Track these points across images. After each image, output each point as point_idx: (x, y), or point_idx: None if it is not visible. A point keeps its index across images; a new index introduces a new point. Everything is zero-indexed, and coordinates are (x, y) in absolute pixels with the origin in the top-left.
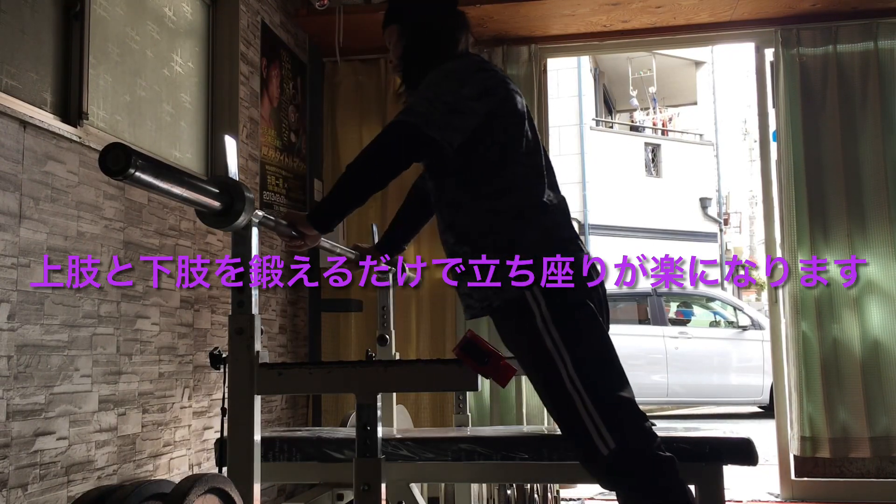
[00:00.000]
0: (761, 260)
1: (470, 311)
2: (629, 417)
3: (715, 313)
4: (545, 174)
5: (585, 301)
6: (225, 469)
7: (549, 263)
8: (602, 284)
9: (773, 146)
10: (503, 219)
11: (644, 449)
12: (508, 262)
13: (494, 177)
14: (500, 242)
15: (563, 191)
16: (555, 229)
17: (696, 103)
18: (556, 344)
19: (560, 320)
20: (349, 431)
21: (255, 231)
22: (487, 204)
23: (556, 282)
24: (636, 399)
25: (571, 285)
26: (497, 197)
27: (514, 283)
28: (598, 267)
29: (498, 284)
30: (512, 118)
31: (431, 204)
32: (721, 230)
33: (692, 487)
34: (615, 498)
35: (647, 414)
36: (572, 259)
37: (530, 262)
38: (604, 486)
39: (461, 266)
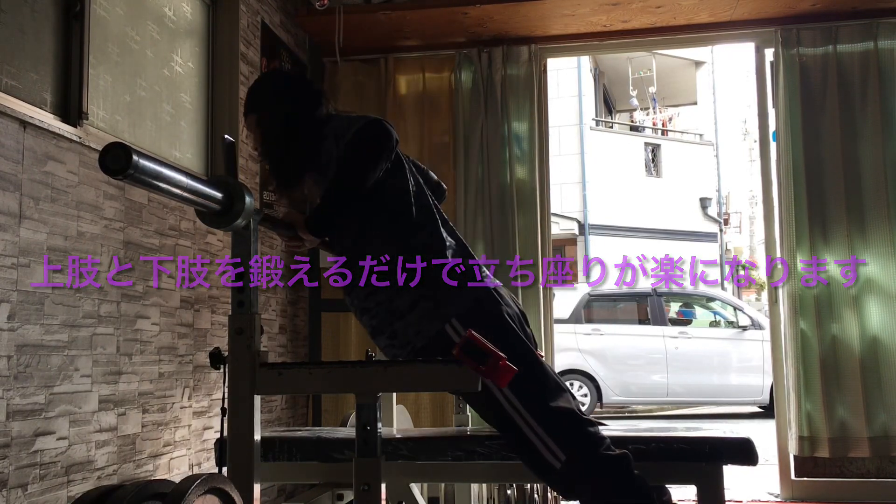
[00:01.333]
0: (761, 260)
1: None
2: (572, 426)
3: (715, 313)
4: (437, 215)
5: (504, 321)
6: (225, 469)
7: (462, 294)
8: (518, 305)
9: (773, 146)
10: (410, 260)
11: (594, 453)
12: (424, 301)
13: (397, 221)
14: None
15: (563, 191)
16: (459, 262)
17: (696, 103)
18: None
19: None
20: (349, 431)
21: (254, 231)
22: (392, 248)
23: (473, 310)
24: (635, 400)
25: (487, 310)
26: (400, 240)
27: (433, 320)
28: (508, 291)
29: (419, 325)
30: (397, 166)
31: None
32: (721, 230)
33: (692, 487)
34: None
35: (648, 414)
36: (481, 286)
37: (444, 296)
38: (565, 497)
39: (374, 319)
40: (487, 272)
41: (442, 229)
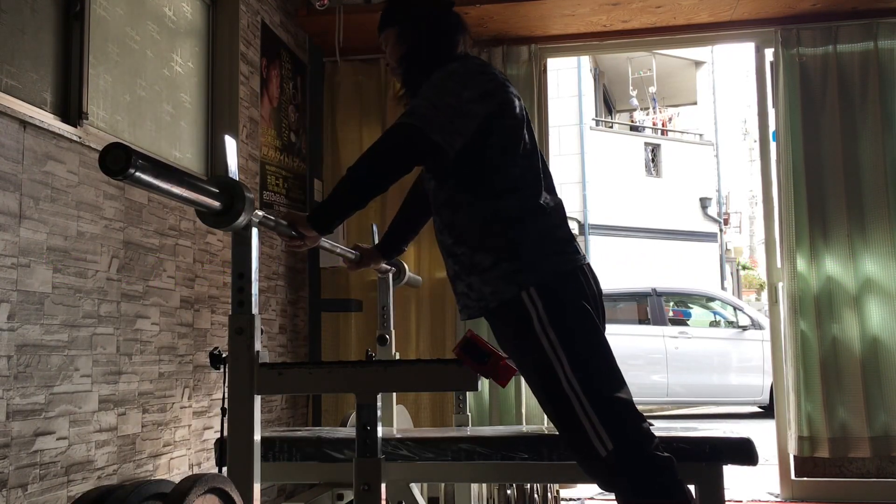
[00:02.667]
0: (761, 260)
1: (466, 312)
2: (627, 418)
3: (715, 313)
4: (542, 177)
5: (581, 303)
6: (225, 469)
7: (546, 265)
8: (598, 286)
9: (773, 146)
10: (501, 220)
11: (642, 449)
12: (505, 264)
13: (493, 178)
14: (497, 243)
15: (563, 191)
16: (552, 231)
17: (696, 103)
18: (553, 345)
19: (557, 322)
20: (349, 431)
21: (254, 231)
22: (486, 205)
23: (553, 283)
24: (635, 399)
25: (568, 287)
26: (495, 198)
27: (510, 285)
28: (593, 269)
29: (495, 285)
30: (511, 121)
31: (430, 204)
32: (721, 230)
33: (692, 487)
34: (615, 498)
35: (647, 414)
36: (569, 260)
37: (528, 263)
38: (602, 487)
39: (458, 265)
40: (578, 247)
41: (545, 194)
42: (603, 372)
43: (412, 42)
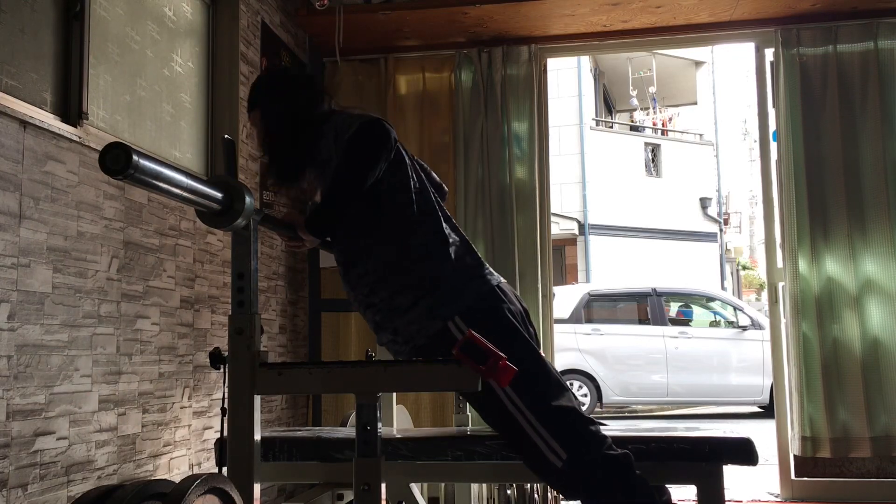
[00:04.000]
0: (761, 260)
1: (398, 357)
2: (574, 425)
3: (715, 313)
4: (439, 210)
5: (508, 319)
6: (225, 469)
7: (464, 292)
8: (520, 301)
9: (773, 146)
10: (410, 258)
11: (596, 452)
12: (424, 300)
13: (393, 220)
14: (412, 281)
15: (563, 191)
16: (461, 259)
17: (696, 103)
18: None
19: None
20: (349, 431)
21: (254, 231)
22: (391, 247)
23: (475, 308)
24: (635, 399)
25: (491, 307)
26: (399, 239)
27: (434, 319)
28: (510, 287)
29: (419, 324)
30: (396, 163)
31: (340, 275)
32: (721, 230)
33: (692, 487)
34: None
35: (647, 414)
36: (485, 282)
37: (446, 294)
38: (566, 497)
39: (378, 315)
40: (490, 269)
41: (445, 225)
42: (540, 383)
43: (268, 121)
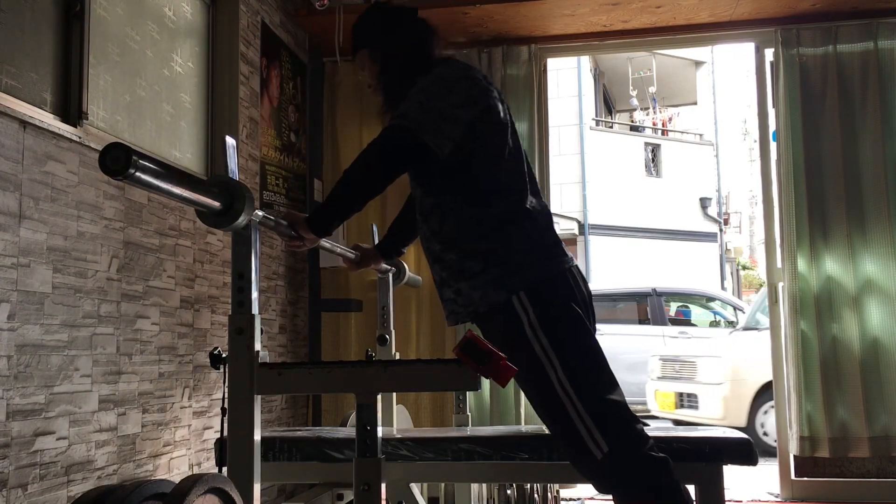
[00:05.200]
0: (761, 260)
1: (454, 317)
2: (621, 420)
3: (715, 313)
4: (528, 181)
5: (572, 306)
6: (225, 469)
7: (535, 269)
8: (587, 288)
9: (773, 146)
10: (489, 225)
11: (637, 451)
12: (494, 269)
13: (479, 183)
14: (486, 248)
15: (563, 191)
16: (540, 235)
17: (696, 103)
18: (545, 349)
19: (548, 326)
20: (349, 431)
21: (254, 231)
22: (473, 210)
23: (542, 287)
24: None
25: (558, 290)
26: (482, 203)
27: (500, 290)
28: (581, 271)
29: (484, 290)
30: (495, 126)
31: (416, 212)
32: (721, 230)
33: (692, 487)
34: (612, 500)
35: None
36: (558, 264)
37: (517, 267)
38: (598, 490)
39: (445, 271)
40: (567, 250)
41: (530, 198)
42: (595, 374)
43: (386, 58)
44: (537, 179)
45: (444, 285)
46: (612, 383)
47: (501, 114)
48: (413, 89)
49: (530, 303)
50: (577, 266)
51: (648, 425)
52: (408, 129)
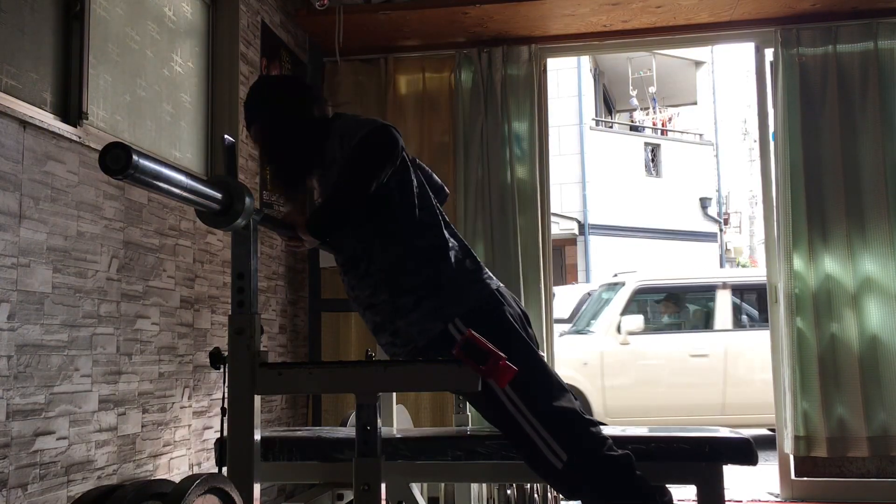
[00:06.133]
0: (761, 260)
1: (396, 359)
2: (575, 426)
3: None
4: (439, 213)
5: (508, 321)
6: (225, 469)
7: (465, 295)
8: (518, 304)
9: (773, 146)
10: (415, 259)
11: (596, 454)
12: (427, 302)
13: (400, 221)
14: (415, 282)
15: (563, 191)
16: (461, 263)
17: (696, 103)
18: None
19: None
20: (349, 431)
21: (254, 231)
22: (398, 248)
23: (475, 310)
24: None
25: (490, 310)
26: (405, 240)
27: (436, 321)
28: (509, 290)
29: (421, 325)
30: (403, 164)
31: (340, 275)
32: (721, 230)
33: (692, 487)
34: None
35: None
36: (485, 286)
37: (448, 297)
38: (567, 497)
39: (379, 315)
40: (489, 273)
41: (445, 230)
42: (542, 385)
43: (272, 130)
44: (537, 180)
45: (380, 330)
46: (560, 390)
47: (407, 157)
48: (346, 129)
49: (466, 327)
50: (503, 286)
51: (606, 425)
52: (389, 126)
